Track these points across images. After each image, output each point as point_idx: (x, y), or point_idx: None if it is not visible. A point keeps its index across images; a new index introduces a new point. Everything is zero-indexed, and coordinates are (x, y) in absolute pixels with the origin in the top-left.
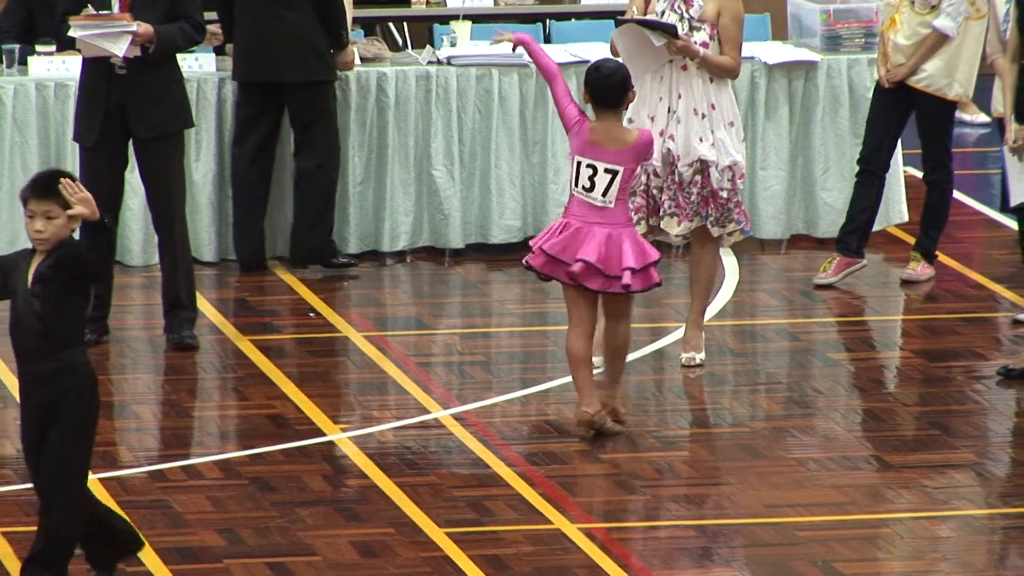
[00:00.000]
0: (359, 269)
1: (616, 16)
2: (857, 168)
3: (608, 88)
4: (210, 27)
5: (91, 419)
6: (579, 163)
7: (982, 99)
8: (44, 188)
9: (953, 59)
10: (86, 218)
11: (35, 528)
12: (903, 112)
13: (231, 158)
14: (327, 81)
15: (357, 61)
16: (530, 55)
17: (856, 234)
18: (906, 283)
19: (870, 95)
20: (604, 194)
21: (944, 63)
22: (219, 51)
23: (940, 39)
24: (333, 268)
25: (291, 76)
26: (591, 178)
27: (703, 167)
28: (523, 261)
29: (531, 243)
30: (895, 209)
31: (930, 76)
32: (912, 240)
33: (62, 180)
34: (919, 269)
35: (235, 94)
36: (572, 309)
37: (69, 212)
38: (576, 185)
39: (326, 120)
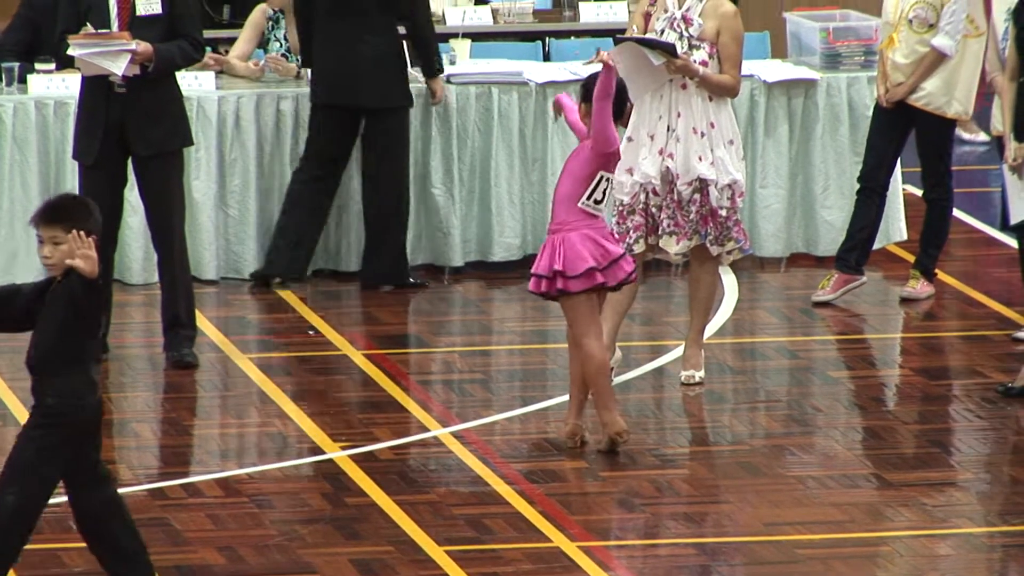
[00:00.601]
0: (357, 286)
1: (615, 34)
2: (857, 186)
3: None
4: (211, 55)
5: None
6: (602, 178)
7: (981, 118)
8: (50, 214)
9: (952, 77)
10: (82, 274)
11: (34, 545)
12: (903, 130)
13: (293, 173)
14: (404, 108)
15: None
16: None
17: (855, 251)
18: (905, 301)
19: (870, 113)
20: (604, 202)
21: (943, 81)
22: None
23: (939, 58)
24: (405, 288)
25: (370, 101)
26: (605, 191)
27: (702, 185)
28: (558, 288)
29: (543, 270)
30: (895, 227)
31: (929, 94)
32: (912, 258)
33: (75, 233)
34: (918, 287)
35: (310, 114)
36: (592, 318)
37: (67, 261)
38: (588, 199)
39: (399, 146)
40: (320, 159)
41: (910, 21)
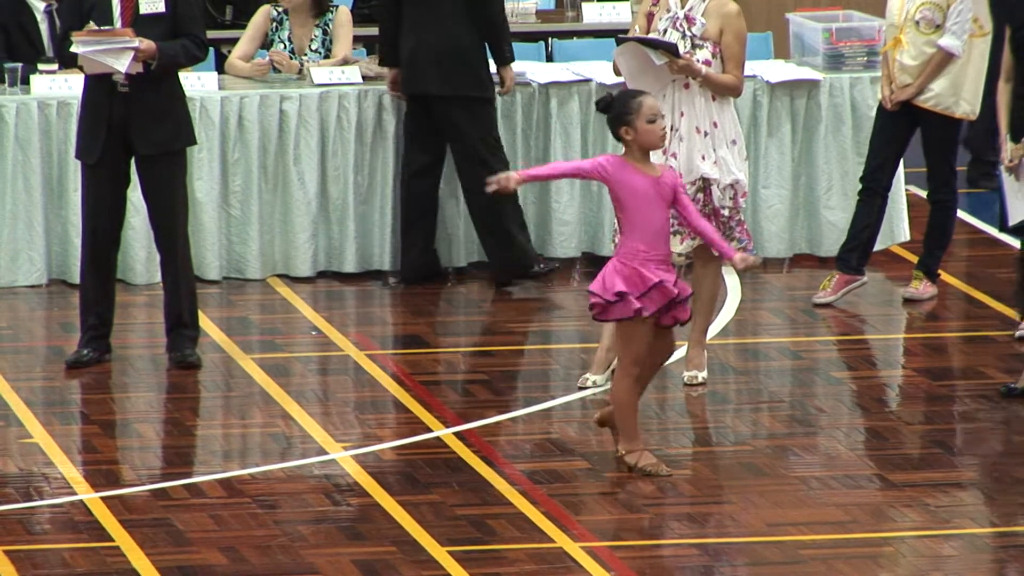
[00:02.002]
0: (360, 287)
1: (618, 35)
2: (859, 187)
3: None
4: (275, 52)
5: None
6: None
7: None
8: None
9: (959, 77)
10: None
11: (40, 547)
12: (906, 131)
13: (401, 169)
14: (476, 98)
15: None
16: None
17: (856, 252)
18: (908, 302)
19: (872, 113)
20: None
21: (950, 82)
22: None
23: (946, 58)
24: (535, 279)
25: (439, 89)
26: None
27: (705, 185)
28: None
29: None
30: (898, 228)
31: (937, 95)
32: (914, 259)
33: None
34: (921, 288)
35: (406, 109)
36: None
37: None
38: None
39: (482, 136)
40: (419, 151)
41: (917, 23)
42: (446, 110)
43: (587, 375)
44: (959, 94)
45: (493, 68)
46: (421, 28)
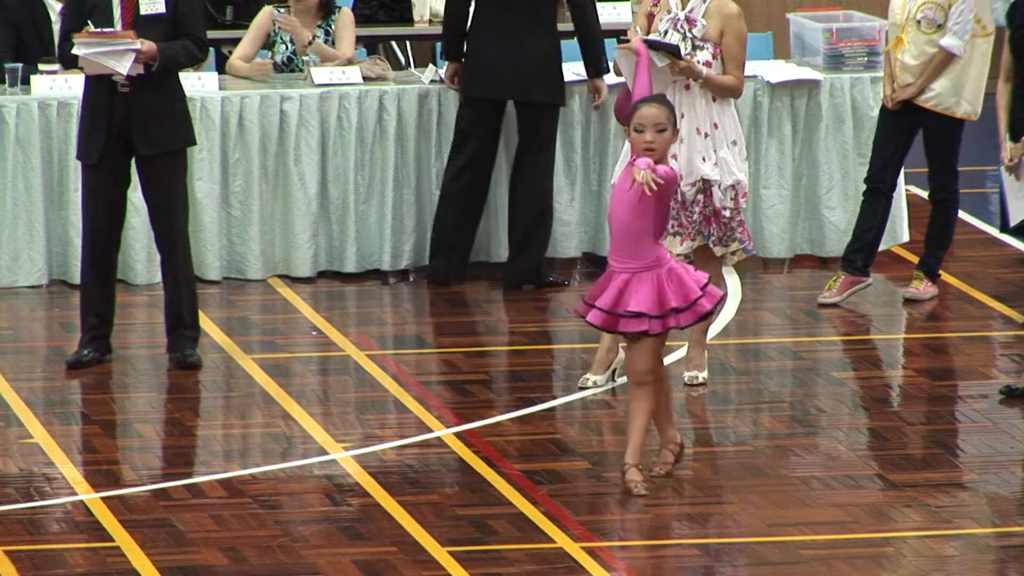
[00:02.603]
0: (360, 287)
1: (619, 35)
2: (863, 187)
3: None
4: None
5: None
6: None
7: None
8: None
9: (960, 77)
10: None
11: (40, 547)
12: (909, 131)
13: (446, 170)
14: (554, 105)
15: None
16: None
17: (862, 252)
18: (909, 302)
19: (873, 114)
20: None
21: (952, 82)
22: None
23: (947, 58)
24: (544, 288)
25: (519, 96)
26: None
27: (705, 186)
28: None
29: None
30: (898, 229)
31: (938, 95)
32: (915, 259)
33: None
34: (921, 288)
35: (459, 109)
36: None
37: None
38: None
39: (546, 145)
40: (472, 153)
41: (918, 22)
42: (524, 117)
43: (587, 375)
44: (960, 94)
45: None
46: (505, 32)
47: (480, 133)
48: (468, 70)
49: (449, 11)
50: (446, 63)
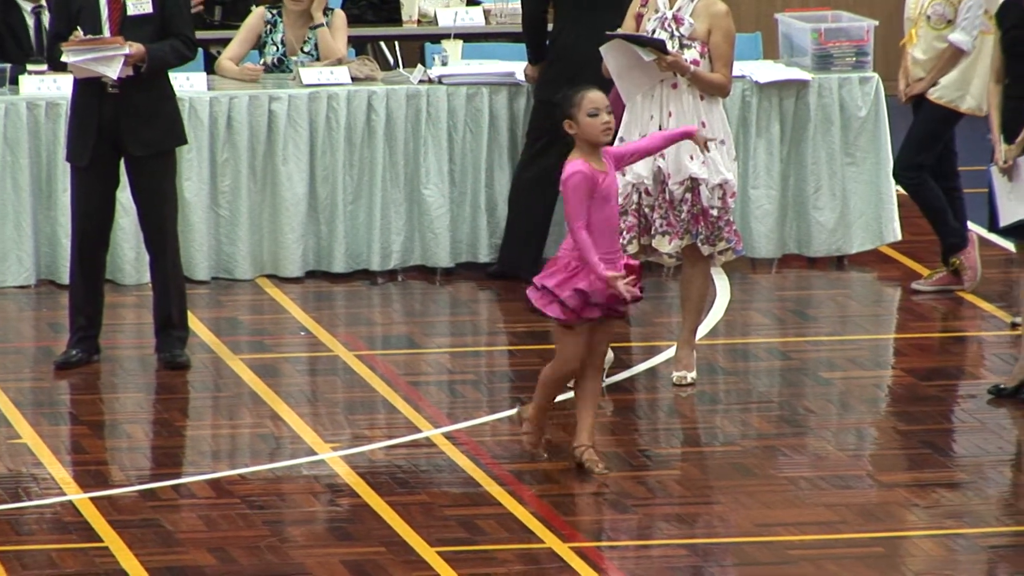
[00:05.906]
0: (349, 287)
1: (606, 32)
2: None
3: None
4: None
5: None
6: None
7: None
8: None
9: (967, 73)
10: None
11: (29, 547)
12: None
13: (517, 167)
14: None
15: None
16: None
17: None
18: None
19: (861, 114)
20: None
21: (958, 76)
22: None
23: (956, 53)
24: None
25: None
26: None
27: (693, 185)
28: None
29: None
30: (888, 228)
31: (943, 88)
32: (904, 259)
33: None
34: (957, 271)
35: (535, 108)
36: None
37: None
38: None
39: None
40: (542, 150)
41: (928, 17)
42: None
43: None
44: (966, 89)
45: None
46: (595, 31)
47: (545, 134)
48: (543, 71)
49: (527, 13)
50: (527, 64)
